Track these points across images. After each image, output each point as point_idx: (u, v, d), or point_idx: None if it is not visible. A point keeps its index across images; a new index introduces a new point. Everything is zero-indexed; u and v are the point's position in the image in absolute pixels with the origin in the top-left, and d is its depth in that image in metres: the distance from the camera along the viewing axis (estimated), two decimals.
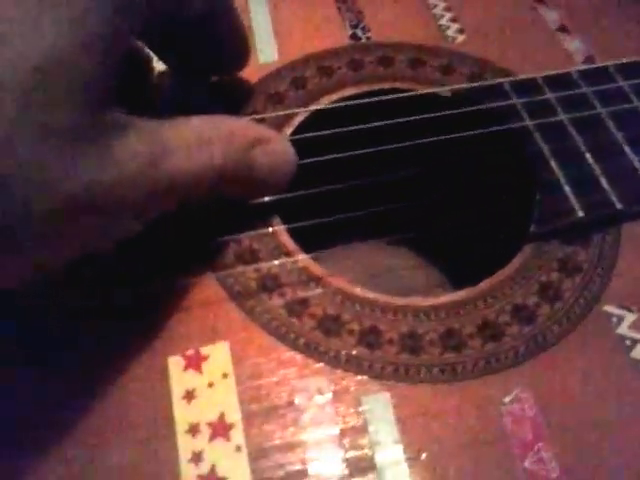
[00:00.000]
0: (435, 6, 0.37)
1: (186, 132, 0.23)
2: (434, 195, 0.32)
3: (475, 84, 0.32)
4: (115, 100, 0.21)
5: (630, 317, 0.25)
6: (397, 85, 0.33)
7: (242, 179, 0.25)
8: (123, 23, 0.20)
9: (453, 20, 0.36)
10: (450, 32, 0.36)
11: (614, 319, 0.25)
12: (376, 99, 0.31)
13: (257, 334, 0.24)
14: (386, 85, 0.33)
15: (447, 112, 0.30)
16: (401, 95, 0.31)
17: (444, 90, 0.32)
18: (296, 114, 0.31)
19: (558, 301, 0.26)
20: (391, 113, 0.30)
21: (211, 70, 0.32)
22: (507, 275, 0.26)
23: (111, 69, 0.20)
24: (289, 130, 0.31)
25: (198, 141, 0.23)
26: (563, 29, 0.36)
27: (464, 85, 0.32)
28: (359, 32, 0.36)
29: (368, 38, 0.36)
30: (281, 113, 0.31)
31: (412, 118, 0.29)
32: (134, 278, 0.25)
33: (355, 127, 0.29)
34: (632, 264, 0.27)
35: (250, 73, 0.34)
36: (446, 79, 0.33)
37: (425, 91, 0.32)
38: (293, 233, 0.27)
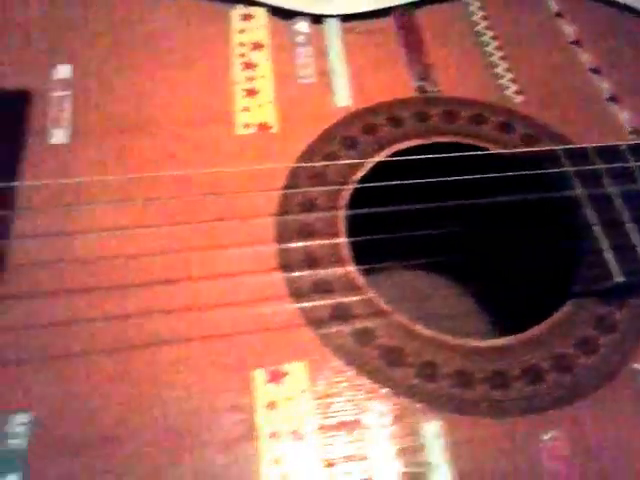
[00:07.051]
0: (496, 66, 0.41)
1: None
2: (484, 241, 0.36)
3: (532, 149, 0.36)
4: None
5: None
6: (459, 140, 0.37)
7: None
8: None
9: (513, 81, 0.40)
10: (509, 92, 0.39)
11: None
12: (437, 155, 0.34)
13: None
14: (449, 139, 0.37)
15: (503, 174, 0.33)
16: (461, 154, 0.35)
17: (502, 152, 0.36)
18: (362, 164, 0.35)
19: (594, 355, 0.29)
20: (450, 169, 0.34)
21: None
22: (549, 326, 0.30)
23: None
24: (359, 174, 0.35)
25: None
26: (614, 99, 0.39)
27: (520, 150, 0.36)
28: (426, 85, 0.39)
29: (437, 92, 0.39)
30: (351, 161, 0.34)
31: (469, 177, 0.33)
32: None
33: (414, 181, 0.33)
34: None
35: (328, 114, 0.37)
36: (504, 137, 0.37)
37: (484, 152, 0.36)
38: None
